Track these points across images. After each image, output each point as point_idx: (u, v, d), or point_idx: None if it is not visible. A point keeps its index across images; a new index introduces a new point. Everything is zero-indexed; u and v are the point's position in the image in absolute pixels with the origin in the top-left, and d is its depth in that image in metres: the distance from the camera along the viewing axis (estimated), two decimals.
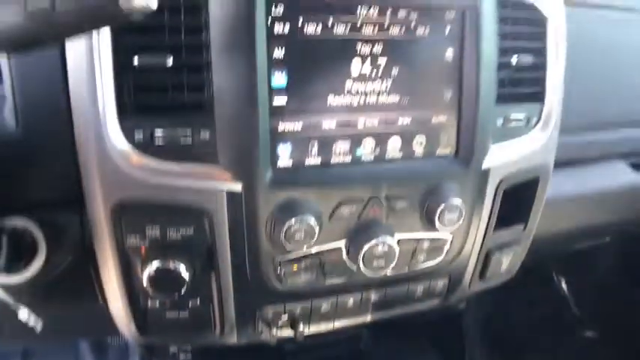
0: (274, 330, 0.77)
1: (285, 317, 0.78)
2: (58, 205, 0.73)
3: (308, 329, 0.81)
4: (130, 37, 0.61)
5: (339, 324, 0.84)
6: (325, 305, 0.80)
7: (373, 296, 0.82)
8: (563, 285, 1.87)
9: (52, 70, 0.65)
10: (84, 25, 0.48)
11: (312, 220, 0.67)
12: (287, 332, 0.79)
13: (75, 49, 0.62)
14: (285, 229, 0.66)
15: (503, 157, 0.79)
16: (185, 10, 0.62)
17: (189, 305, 0.73)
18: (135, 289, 0.71)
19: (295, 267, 0.72)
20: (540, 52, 0.81)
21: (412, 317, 1.11)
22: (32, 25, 0.47)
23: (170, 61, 0.61)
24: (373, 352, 1.38)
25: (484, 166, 0.77)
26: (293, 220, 0.66)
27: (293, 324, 0.78)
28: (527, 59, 0.79)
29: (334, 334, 1.22)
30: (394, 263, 0.74)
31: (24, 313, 0.76)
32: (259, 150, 0.64)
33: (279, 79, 0.64)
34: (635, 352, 1.67)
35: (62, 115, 0.66)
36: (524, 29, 0.79)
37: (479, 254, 0.86)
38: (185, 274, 0.66)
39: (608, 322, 1.77)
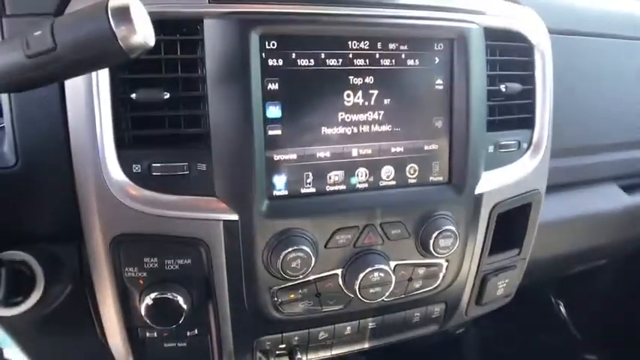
0: (273, 359, 0.77)
1: (282, 346, 0.78)
2: (56, 238, 0.73)
3: (306, 358, 0.81)
4: (127, 72, 0.63)
5: (337, 352, 0.84)
6: (323, 333, 0.80)
7: (371, 323, 0.82)
8: (562, 309, 1.87)
9: (52, 106, 0.67)
10: (85, 64, 0.50)
11: (309, 249, 0.68)
12: None
13: (74, 84, 0.64)
14: (281, 258, 0.67)
15: (496, 183, 0.81)
16: (181, 45, 0.64)
17: (187, 336, 0.73)
18: (133, 321, 0.71)
19: (292, 295, 0.73)
20: (528, 80, 0.83)
21: (412, 342, 1.10)
22: (35, 66, 0.48)
23: (167, 96, 0.63)
24: None
25: (477, 192, 0.78)
26: (289, 249, 0.67)
27: (291, 353, 0.79)
28: (516, 87, 0.81)
29: None
30: (390, 290, 0.74)
31: (9, 353, 0.76)
32: (255, 180, 0.65)
33: (274, 110, 0.66)
34: None
35: (61, 150, 0.68)
36: (512, 58, 0.81)
37: (475, 279, 0.87)
38: (183, 305, 0.67)
39: (608, 345, 1.76)
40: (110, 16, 0.45)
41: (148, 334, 0.72)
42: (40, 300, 0.74)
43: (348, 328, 0.81)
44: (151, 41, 0.48)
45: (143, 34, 0.47)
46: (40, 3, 0.67)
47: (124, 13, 0.45)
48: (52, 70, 0.49)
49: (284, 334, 0.78)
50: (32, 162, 0.69)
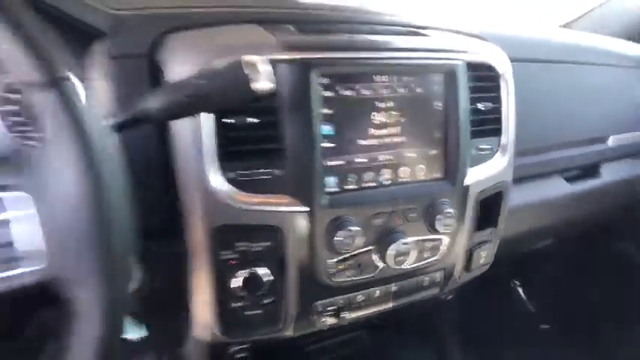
0: (324, 319, 1.01)
1: (331, 308, 1.02)
2: (154, 235, 0.93)
3: (348, 316, 1.05)
4: None
5: (369, 311, 1.08)
6: (360, 296, 1.04)
7: (393, 287, 1.07)
8: (519, 289, 2.20)
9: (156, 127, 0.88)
10: (223, 103, 0.72)
11: (354, 231, 0.92)
12: (332, 320, 1.03)
13: None
14: (336, 238, 0.91)
15: (478, 177, 1.08)
16: None
17: (264, 303, 0.94)
18: (224, 295, 0.92)
19: (341, 267, 0.97)
20: (497, 99, 1.11)
21: (404, 321, 1.34)
22: (189, 104, 0.70)
23: (254, 120, 0.86)
24: (373, 350, 1.63)
25: (465, 184, 1.05)
26: (341, 230, 0.91)
27: (337, 313, 1.02)
28: (489, 105, 1.09)
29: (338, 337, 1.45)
30: (410, 259, 1.00)
31: None
32: (316, 181, 0.89)
33: (328, 129, 0.90)
34: (581, 337, 2.00)
35: (163, 162, 0.88)
36: (485, 83, 1.09)
37: (465, 251, 1.14)
38: (266, 278, 0.89)
39: (559, 316, 2.10)
40: (246, 69, 0.68)
41: (232, 305, 0.93)
42: (137, 289, 0.93)
43: (378, 291, 1.06)
44: (272, 86, 0.71)
45: (268, 81, 0.70)
46: (135, 48, 0.88)
47: (255, 67, 0.69)
48: (199, 107, 0.72)
49: (334, 298, 1.01)
50: (138, 174, 0.89)
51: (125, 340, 0.95)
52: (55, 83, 0.47)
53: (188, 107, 0.71)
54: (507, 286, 2.19)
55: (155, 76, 0.87)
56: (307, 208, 0.90)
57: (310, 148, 0.88)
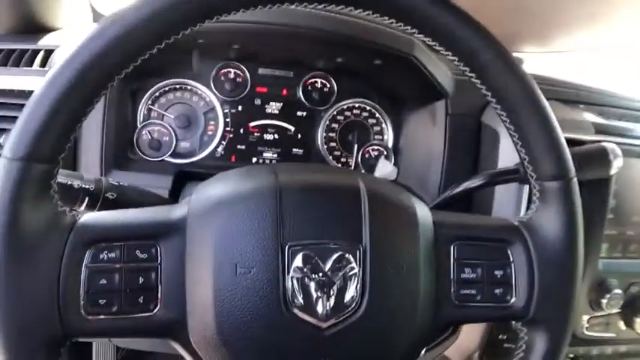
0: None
1: (572, 356, 1.15)
2: None
3: None
4: None
5: None
6: (595, 350, 1.16)
7: (622, 348, 1.19)
8: None
9: None
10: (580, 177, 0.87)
11: (617, 294, 1.05)
12: None
13: None
14: (601, 299, 1.05)
15: None
16: None
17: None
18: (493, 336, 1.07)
19: (592, 322, 1.09)
20: None
21: None
22: None
23: None
24: None
25: None
26: (607, 293, 1.04)
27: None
28: None
29: None
30: None
31: None
32: (596, 246, 1.03)
33: (612, 203, 1.05)
34: None
35: None
36: None
37: None
38: None
39: None
40: (610, 155, 0.84)
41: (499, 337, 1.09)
42: None
43: (610, 349, 1.17)
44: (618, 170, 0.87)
45: (618, 166, 0.86)
46: (469, 109, 1.07)
47: (615, 153, 0.84)
48: None
49: (576, 348, 1.14)
50: None
51: None
52: (568, 178, 0.61)
53: None
54: None
55: (478, 133, 1.05)
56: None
57: (601, 218, 1.02)
